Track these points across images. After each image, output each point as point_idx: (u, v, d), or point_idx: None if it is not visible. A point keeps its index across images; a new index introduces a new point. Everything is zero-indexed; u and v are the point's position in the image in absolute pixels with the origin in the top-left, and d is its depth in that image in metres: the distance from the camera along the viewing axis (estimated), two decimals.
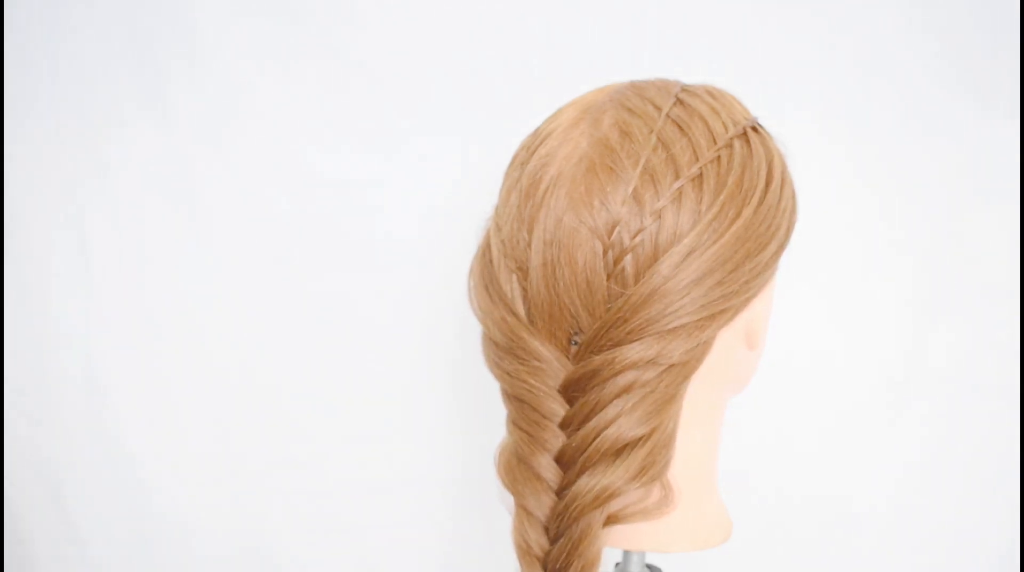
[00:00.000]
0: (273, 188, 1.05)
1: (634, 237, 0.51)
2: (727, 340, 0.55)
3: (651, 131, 0.52)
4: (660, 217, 0.51)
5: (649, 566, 0.62)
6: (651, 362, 0.51)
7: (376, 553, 1.12)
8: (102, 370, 1.10)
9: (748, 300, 0.54)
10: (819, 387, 1.08)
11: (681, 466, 0.54)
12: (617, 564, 0.62)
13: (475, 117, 1.02)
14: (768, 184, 0.53)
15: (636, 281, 0.51)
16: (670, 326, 0.51)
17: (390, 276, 1.06)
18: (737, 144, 0.53)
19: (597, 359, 0.51)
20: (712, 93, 0.57)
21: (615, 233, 0.51)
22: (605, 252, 0.51)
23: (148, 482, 1.11)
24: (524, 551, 0.53)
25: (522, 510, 0.53)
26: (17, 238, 1.08)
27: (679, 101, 0.55)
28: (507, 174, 0.58)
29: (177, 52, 1.03)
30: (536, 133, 0.58)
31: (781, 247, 0.55)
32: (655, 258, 0.51)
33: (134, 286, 1.09)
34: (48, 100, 1.05)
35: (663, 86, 0.56)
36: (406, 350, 1.07)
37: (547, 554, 0.52)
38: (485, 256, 0.58)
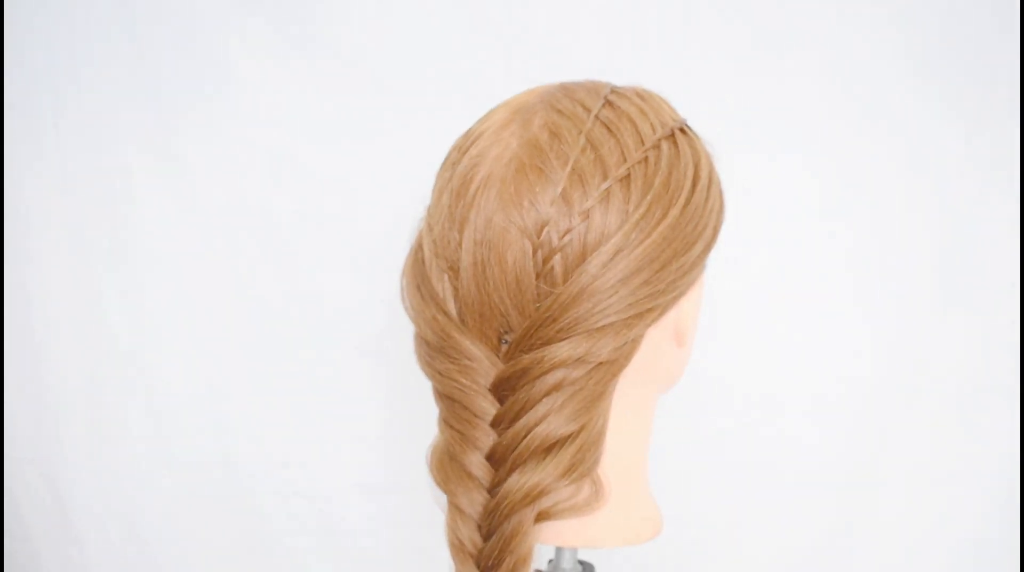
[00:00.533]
0: (272, 187, 1.06)
1: (563, 237, 0.51)
2: (656, 338, 0.56)
3: (580, 132, 0.53)
4: (588, 217, 0.51)
5: (581, 562, 0.63)
6: (580, 360, 0.51)
7: (372, 554, 1.14)
8: (103, 369, 1.11)
9: (675, 299, 0.54)
10: (818, 387, 1.09)
11: (611, 463, 0.55)
12: (550, 561, 0.62)
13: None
14: (695, 185, 0.54)
15: (565, 280, 0.51)
16: (598, 325, 0.51)
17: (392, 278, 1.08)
18: (664, 145, 0.54)
19: (527, 358, 0.52)
20: (641, 95, 0.57)
21: (544, 233, 0.52)
22: (534, 252, 0.52)
23: (148, 483, 1.13)
24: (458, 548, 0.54)
25: (454, 508, 0.54)
26: (16, 237, 1.08)
27: (608, 103, 0.55)
28: (439, 174, 0.58)
29: (177, 50, 1.04)
30: (468, 134, 0.58)
31: (708, 247, 0.56)
32: (583, 257, 0.51)
33: (133, 286, 1.09)
34: (50, 102, 1.06)
35: (593, 88, 0.57)
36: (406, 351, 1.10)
37: (480, 551, 0.53)
38: (417, 256, 0.58)
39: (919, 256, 1.06)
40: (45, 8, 1.03)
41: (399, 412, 1.09)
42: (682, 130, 0.57)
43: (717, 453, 1.10)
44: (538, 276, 0.52)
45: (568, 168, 0.52)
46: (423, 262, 0.57)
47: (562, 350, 0.51)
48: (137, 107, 1.05)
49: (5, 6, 1.03)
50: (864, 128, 1.03)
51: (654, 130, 0.54)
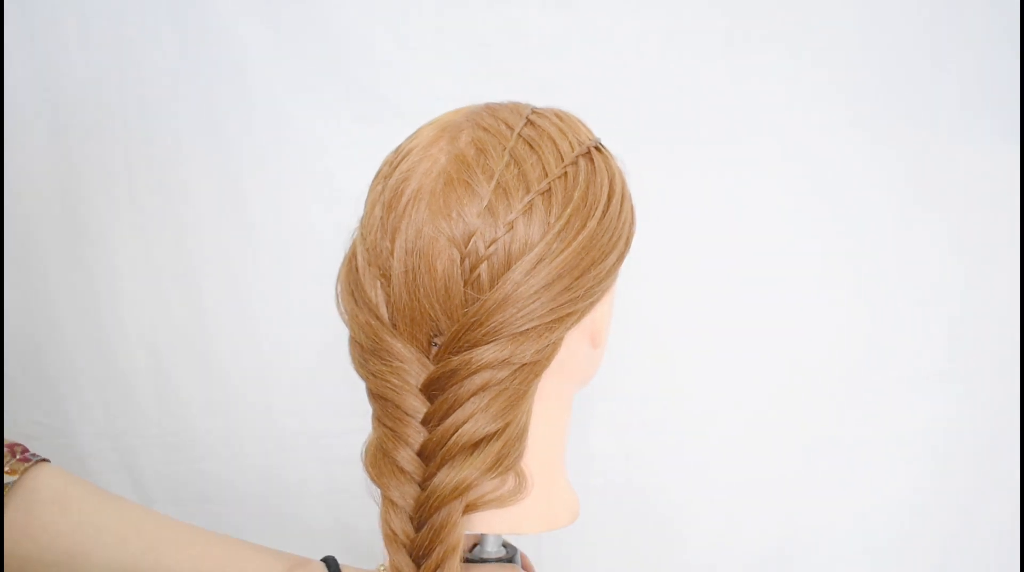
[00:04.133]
0: (314, 205, 1.09)
1: (488, 246, 0.55)
2: (574, 340, 0.60)
3: (504, 149, 0.57)
4: (513, 228, 0.55)
5: (505, 545, 0.67)
6: (505, 362, 0.55)
7: None
8: (104, 371, 1.11)
9: (593, 304, 0.59)
10: (820, 385, 1.13)
11: (532, 455, 0.59)
12: (475, 545, 0.66)
13: None
14: (610, 199, 0.59)
15: (491, 287, 0.55)
16: (522, 328, 0.55)
17: None
18: (582, 162, 0.58)
19: (455, 360, 0.55)
20: (560, 115, 0.61)
21: (471, 243, 0.55)
22: (462, 260, 0.55)
23: (210, 454, 1.14)
24: (391, 539, 0.57)
25: (387, 501, 0.57)
26: (16, 236, 1.08)
27: (529, 122, 0.59)
28: (371, 188, 0.61)
29: (232, 87, 1.07)
30: (398, 150, 0.61)
31: (621, 256, 0.60)
32: (508, 266, 0.55)
33: (193, 283, 1.11)
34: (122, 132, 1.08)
35: (515, 108, 0.61)
36: None
37: (412, 541, 0.56)
38: (351, 264, 0.61)
39: (921, 254, 1.10)
40: (119, 43, 1.06)
41: None
42: (597, 148, 0.61)
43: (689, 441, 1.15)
44: (466, 283, 0.55)
45: (493, 182, 0.55)
46: (356, 270, 0.59)
47: (488, 352, 0.55)
48: (200, 136, 1.08)
49: (65, 29, 1.06)
50: (865, 132, 1.08)
51: (572, 148, 0.58)
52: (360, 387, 1.09)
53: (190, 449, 1.13)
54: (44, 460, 0.59)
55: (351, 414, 1.09)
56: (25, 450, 0.59)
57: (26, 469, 0.57)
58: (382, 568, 0.63)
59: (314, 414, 1.13)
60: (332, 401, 1.12)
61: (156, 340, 1.12)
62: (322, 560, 0.64)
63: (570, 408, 0.64)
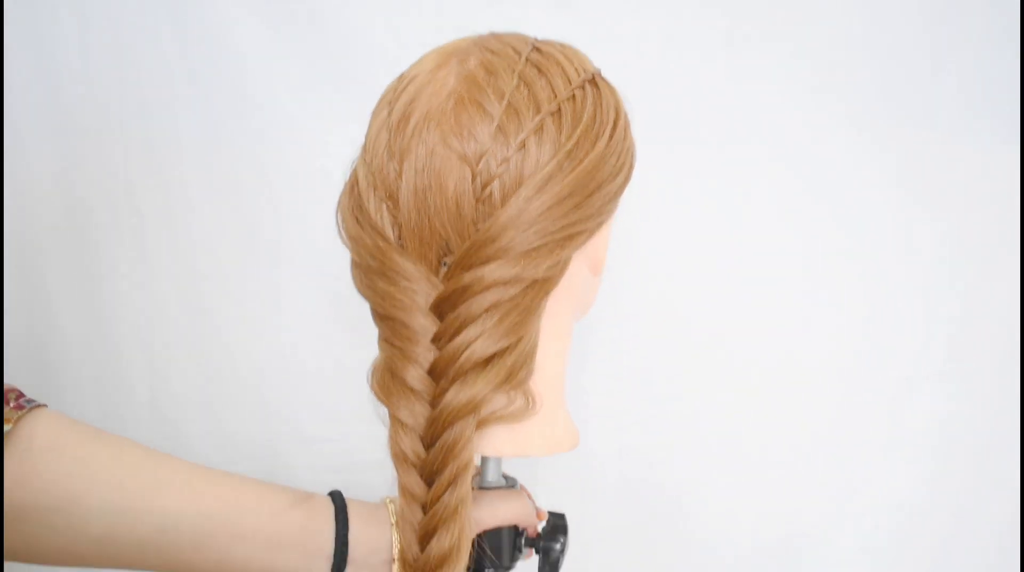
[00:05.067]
0: (306, 199, 1.07)
1: (500, 165, 0.56)
2: (577, 265, 0.61)
3: (514, 71, 0.58)
4: (524, 147, 0.56)
5: (506, 476, 0.68)
6: (515, 278, 0.56)
7: None
8: (101, 370, 1.10)
9: (600, 224, 0.60)
10: (819, 384, 1.13)
11: (539, 377, 0.60)
12: (474, 476, 0.67)
13: None
14: (616, 123, 0.60)
15: (502, 204, 0.56)
16: (533, 245, 0.56)
17: None
18: (589, 87, 0.60)
19: (467, 276, 0.56)
20: (563, 46, 0.63)
21: (483, 161, 0.56)
22: (474, 178, 0.56)
23: (201, 458, 1.10)
24: (401, 459, 0.57)
25: (396, 421, 0.57)
26: (16, 237, 1.07)
27: (536, 48, 0.61)
28: (374, 115, 0.62)
29: (228, 84, 1.06)
30: (400, 78, 0.62)
31: (626, 180, 0.62)
32: (519, 184, 0.56)
33: (192, 278, 1.09)
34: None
35: (520, 37, 0.63)
36: None
37: (423, 461, 0.57)
38: (353, 190, 0.61)
39: (920, 252, 1.11)
40: (118, 43, 1.05)
41: None
42: (600, 76, 0.62)
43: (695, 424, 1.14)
44: (477, 201, 0.56)
45: (504, 102, 0.56)
46: (359, 195, 0.60)
47: (500, 269, 0.55)
48: (198, 136, 1.07)
49: (68, 25, 1.05)
50: (867, 128, 1.08)
51: (578, 74, 0.60)
52: (360, 387, 1.08)
53: (184, 451, 1.10)
54: (41, 405, 0.58)
55: (346, 419, 1.11)
56: (20, 396, 0.58)
57: (20, 417, 0.55)
58: (388, 500, 0.63)
59: (309, 419, 1.12)
60: (327, 406, 1.11)
61: (152, 340, 1.10)
62: (328, 494, 0.64)
63: (571, 337, 0.65)
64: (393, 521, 0.62)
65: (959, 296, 1.12)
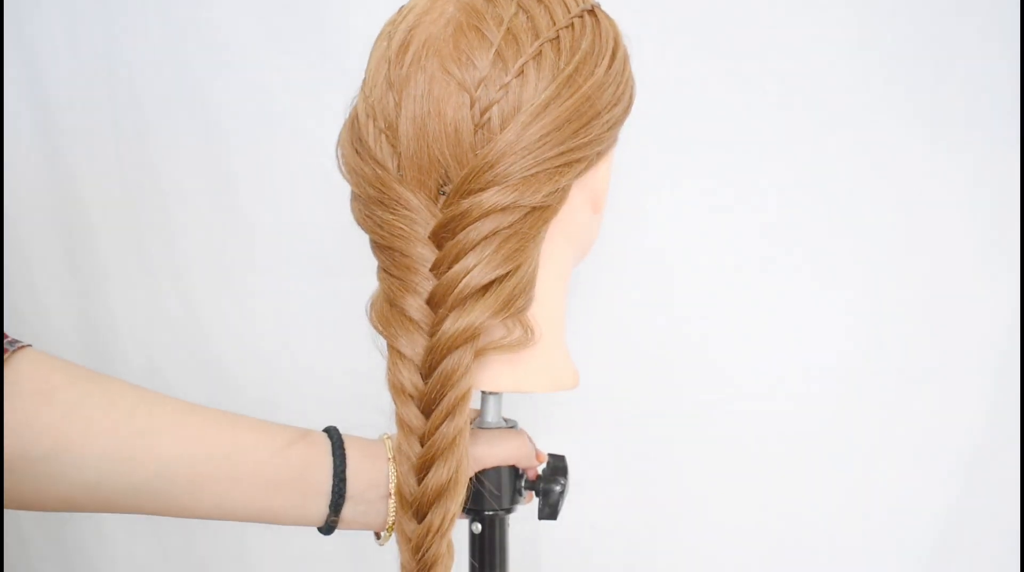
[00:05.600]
0: (305, 200, 1.08)
1: (498, 91, 0.56)
2: (577, 200, 0.61)
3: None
4: (523, 73, 0.56)
5: (506, 419, 0.67)
6: (514, 205, 0.55)
7: None
8: (99, 369, 1.07)
9: (600, 154, 0.60)
10: (817, 380, 1.13)
11: (539, 312, 0.59)
12: (475, 419, 0.66)
13: None
14: (614, 52, 0.60)
15: (501, 131, 0.56)
16: (531, 171, 0.55)
17: None
18: (587, 16, 0.60)
19: (465, 202, 0.55)
20: None
21: (481, 88, 0.56)
22: (472, 105, 0.56)
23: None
24: (399, 390, 0.56)
25: (395, 352, 0.57)
26: (12, 237, 1.07)
27: None
28: (374, 47, 0.62)
29: (228, 83, 1.06)
30: (399, 11, 0.62)
31: (626, 111, 0.62)
32: (518, 110, 0.56)
33: (188, 279, 1.10)
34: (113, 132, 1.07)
35: None
36: None
37: (421, 392, 0.56)
38: (353, 123, 0.61)
39: (920, 250, 1.11)
40: (114, 43, 1.05)
41: None
42: (599, 8, 0.62)
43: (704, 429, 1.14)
44: (476, 127, 0.56)
45: (503, 28, 0.56)
46: (359, 127, 0.60)
47: (498, 194, 0.55)
48: (193, 135, 1.08)
49: (60, 25, 1.05)
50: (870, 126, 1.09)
51: (577, 3, 0.60)
52: (361, 386, 1.09)
53: None
54: (25, 346, 0.55)
55: (348, 413, 1.10)
56: (4, 336, 0.54)
57: (6, 360, 0.52)
58: (386, 437, 0.63)
59: (312, 412, 1.11)
60: (329, 400, 1.11)
61: (150, 339, 1.10)
62: (324, 430, 0.63)
63: (569, 278, 0.65)
64: (390, 456, 0.61)
65: (959, 296, 1.12)
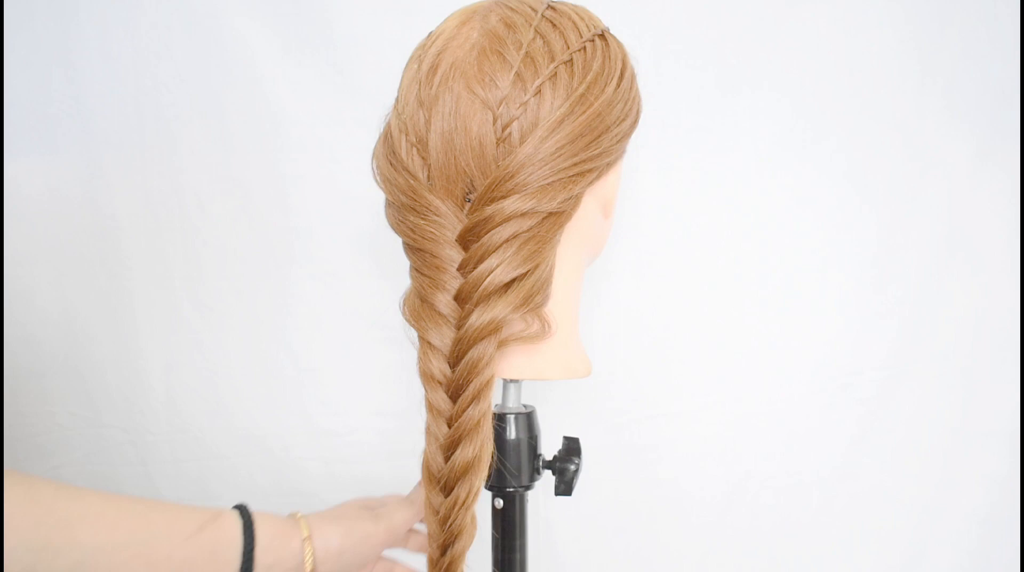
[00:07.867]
0: (313, 206, 1.12)
1: (518, 108, 0.62)
2: (590, 206, 0.67)
3: (531, 26, 0.64)
4: (540, 92, 0.62)
5: (525, 405, 0.74)
6: (532, 210, 0.62)
7: None
8: (124, 370, 1.14)
9: (610, 165, 0.66)
10: (816, 377, 1.17)
11: (554, 305, 0.66)
12: (497, 404, 0.72)
13: None
14: (623, 73, 0.66)
15: (521, 144, 0.62)
16: (548, 180, 0.62)
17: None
18: (598, 41, 0.66)
19: (488, 209, 0.62)
20: (576, 6, 0.70)
21: (503, 106, 0.62)
22: (495, 121, 0.62)
23: (214, 453, 1.17)
24: (428, 377, 0.63)
25: (425, 343, 0.63)
26: (53, 247, 1.11)
27: (551, 7, 0.67)
28: (406, 70, 0.68)
29: (240, 94, 1.10)
30: (428, 36, 0.68)
31: (633, 125, 0.68)
32: (536, 125, 0.62)
33: (204, 285, 1.14)
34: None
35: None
36: None
37: (449, 379, 0.62)
38: (387, 139, 0.67)
39: (919, 248, 1.15)
40: (130, 56, 1.09)
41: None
42: (608, 33, 0.68)
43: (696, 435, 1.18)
44: (498, 141, 0.62)
45: (522, 52, 0.62)
46: (393, 141, 0.66)
47: (518, 201, 0.61)
48: (211, 144, 1.12)
49: (87, 34, 1.09)
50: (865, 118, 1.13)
51: (589, 29, 0.66)
52: (369, 383, 1.14)
53: (196, 446, 1.16)
54: None
55: (355, 415, 1.17)
56: None
57: None
58: (298, 515, 0.69)
59: (319, 414, 1.17)
60: (337, 402, 1.16)
61: (168, 341, 1.15)
62: (234, 508, 0.68)
63: (583, 277, 0.71)
64: (305, 535, 0.68)
65: (959, 297, 1.15)
